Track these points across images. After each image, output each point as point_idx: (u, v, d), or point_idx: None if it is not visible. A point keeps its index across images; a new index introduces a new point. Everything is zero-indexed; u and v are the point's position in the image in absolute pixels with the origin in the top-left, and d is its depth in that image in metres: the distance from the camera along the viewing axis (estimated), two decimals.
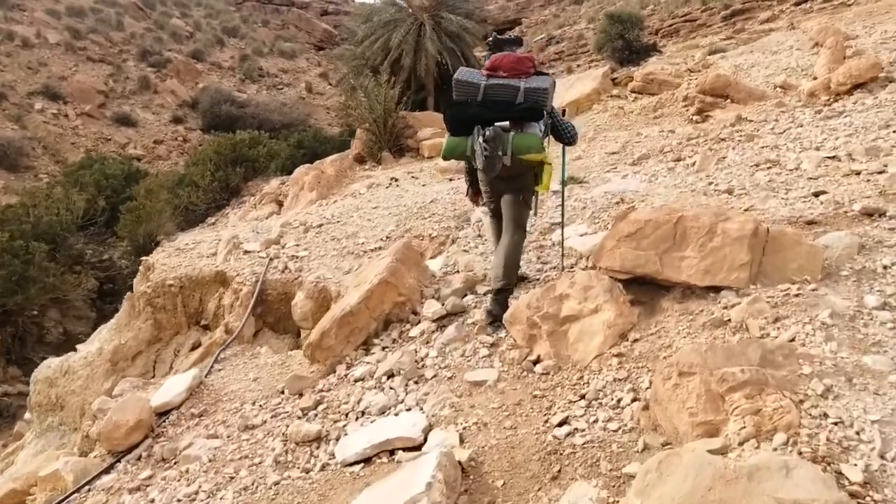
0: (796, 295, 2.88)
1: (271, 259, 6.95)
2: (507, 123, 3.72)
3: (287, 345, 6.63)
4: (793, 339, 2.50)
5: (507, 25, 51.47)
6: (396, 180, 9.68)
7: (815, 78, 8.86)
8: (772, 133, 7.07)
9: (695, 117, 9.20)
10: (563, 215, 4.75)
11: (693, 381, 2.17)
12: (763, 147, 6.49)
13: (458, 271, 5.05)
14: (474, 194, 4.54)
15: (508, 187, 3.96)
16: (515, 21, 51.75)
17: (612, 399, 2.71)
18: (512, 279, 3.99)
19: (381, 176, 10.15)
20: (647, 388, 2.65)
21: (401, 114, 11.64)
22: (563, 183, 5.04)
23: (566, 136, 4.17)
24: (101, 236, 16.15)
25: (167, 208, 14.75)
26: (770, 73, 10.22)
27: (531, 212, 4.18)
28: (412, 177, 9.67)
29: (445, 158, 4.23)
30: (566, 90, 12.44)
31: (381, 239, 6.87)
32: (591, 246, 4.52)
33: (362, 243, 6.89)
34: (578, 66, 37.37)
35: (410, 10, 26.33)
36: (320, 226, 7.88)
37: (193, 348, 7.10)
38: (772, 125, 7.43)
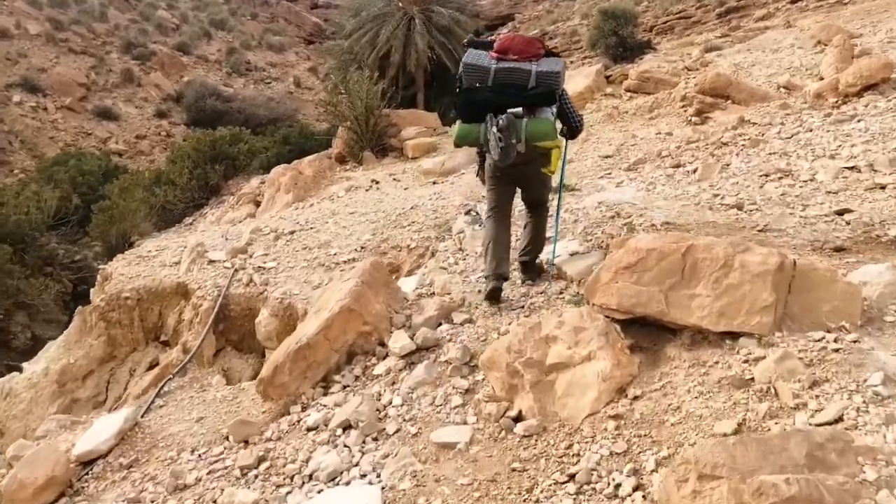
0: (836, 350, 2.34)
1: (236, 270, 6.37)
2: (520, 109, 3.57)
3: (251, 365, 6.06)
4: (840, 418, 1.95)
5: (499, 21, 50.88)
6: (377, 183, 9.11)
7: (821, 78, 8.34)
8: (778, 138, 6.54)
9: (693, 119, 8.67)
10: (556, 228, 4.42)
11: (719, 488, 1.63)
12: (771, 154, 5.96)
13: (433, 293, 4.49)
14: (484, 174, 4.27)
15: (525, 172, 3.83)
16: (508, 17, 51.12)
17: (609, 484, 2.16)
18: (540, 252, 4.22)
19: (361, 178, 9.58)
20: (653, 472, 2.11)
21: (384, 112, 11.04)
22: (561, 186, 4.66)
23: (574, 124, 4.00)
24: (74, 236, 15.48)
25: (142, 207, 14.14)
26: (772, 73, 9.69)
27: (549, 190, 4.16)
28: (394, 179, 9.10)
29: (458, 146, 4.09)
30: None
31: (356, 249, 6.31)
32: (582, 268, 3.99)
33: (335, 254, 6.32)
34: (572, 62, 36.73)
35: (400, 4, 25.65)
36: (292, 233, 7.30)
37: (151, 367, 6.52)
38: (778, 129, 6.90)
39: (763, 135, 6.79)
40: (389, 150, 10.77)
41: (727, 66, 10.53)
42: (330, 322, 3.81)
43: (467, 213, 6.12)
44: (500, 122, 3.47)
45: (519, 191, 4.10)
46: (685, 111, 9.11)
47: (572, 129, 4.02)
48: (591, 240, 4.60)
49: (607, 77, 12.17)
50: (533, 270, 4.21)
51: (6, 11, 33.74)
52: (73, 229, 15.51)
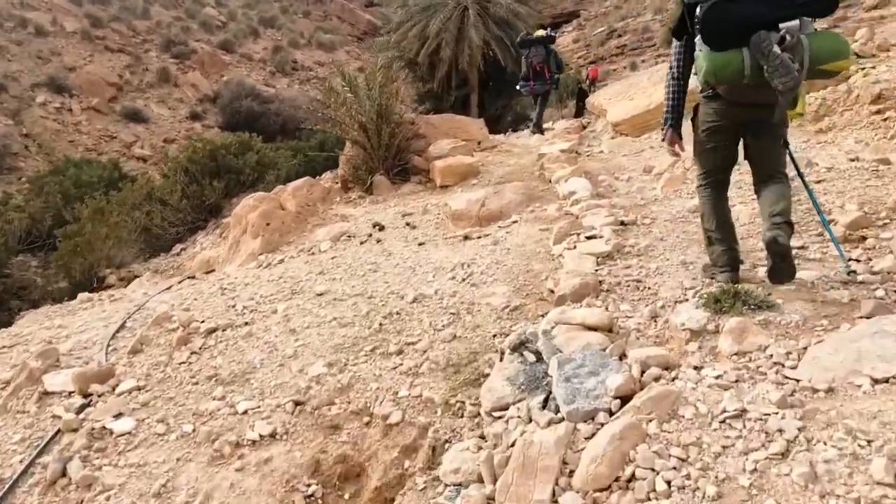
0: None
1: (55, 435, 3.25)
2: (796, 23, 2.72)
3: None
4: None
5: (563, 18, 47.40)
6: (381, 229, 5.87)
7: None
8: None
9: None
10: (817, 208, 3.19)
11: None
12: None
13: None
14: (675, 135, 3.22)
15: (765, 122, 2.90)
16: (573, 13, 47.70)
17: None
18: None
19: (362, 218, 6.36)
20: None
21: (406, 117, 7.79)
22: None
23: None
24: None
25: (120, 232, 11.35)
26: None
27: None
28: (407, 224, 5.85)
29: (709, 84, 2.91)
30: (640, 91, 8.44)
31: (286, 407, 3.10)
32: None
33: (244, 413, 3.12)
34: (643, 61, 32.95)
35: None
36: (212, 332, 4.17)
37: None
38: None
39: None
40: (412, 173, 7.52)
41: None
42: None
43: (520, 349, 2.80)
44: (789, 37, 2.65)
45: (745, 155, 3.08)
46: (884, 121, 5.54)
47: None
48: None
49: None
50: (789, 260, 2.82)
51: (44, 8, 32.27)
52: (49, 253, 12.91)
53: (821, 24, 3.41)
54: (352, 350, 3.46)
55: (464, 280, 4.05)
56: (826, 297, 2.77)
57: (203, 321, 4.40)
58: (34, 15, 30.70)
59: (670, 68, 3.17)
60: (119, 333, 4.64)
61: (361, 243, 5.63)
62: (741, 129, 3.02)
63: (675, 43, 3.17)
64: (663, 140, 3.33)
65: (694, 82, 3.09)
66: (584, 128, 8.96)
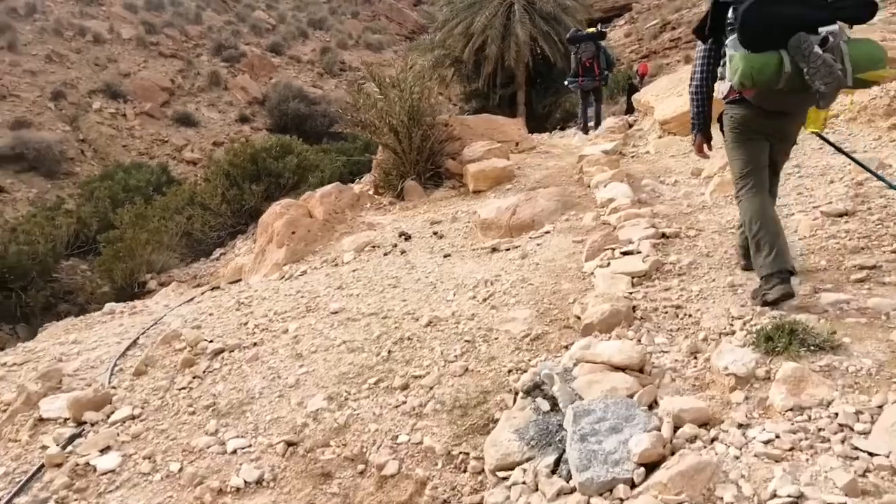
0: None
1: (38, 470, 3.04)
2: (836, 27, 2.60)
3: None
4: None
5: (614, 12, 46.22)
6: (407, 239, 5.55)
7: None
8: None
9: None
10: None
11: None
12: None
13: None
14: (704, 140, 3.19)
15: (790, 128, 2.96)
16: (626, 6, 46.45)
17: None
18: None
19: (389, 227, 6.05)
20: None
21: (439, 118, 7.43)
22: None
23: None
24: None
25: (160, 237, 11.41)
26: None
27: None
28: (434, 233, 5.50)
29: (746, 86, 2.71)
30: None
31: (274, 448, 2.80)
32: None
33: (231, 454, 2.84)
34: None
35: None
36: (217, 354, 3.93)
37: None
38: None
39: None
40: (445, 177, 7.16)
41: None
42: None
43: (533, 392, 2.41)
44: (832, 39, 2.55)
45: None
46: None
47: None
48: None
49: None
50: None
51: (102, 17, 33.25)
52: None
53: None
54: (355, 381, 3.14)
55: (485, 300, 3.68)
56: None
57: (212, 340, 4.16)
58: (92, 24, 31.64)
59: (694, 72, 3.10)
60: (130, 351, 4.45)
61: (385, 254, 5.31)
62: (768, 136, 2.98)
63: (700, 46, 3.08)
64: (693, 145, 3.30)
65: (717, 88, 3.02)
66: (630, 126, 8.44)
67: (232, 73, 32.47)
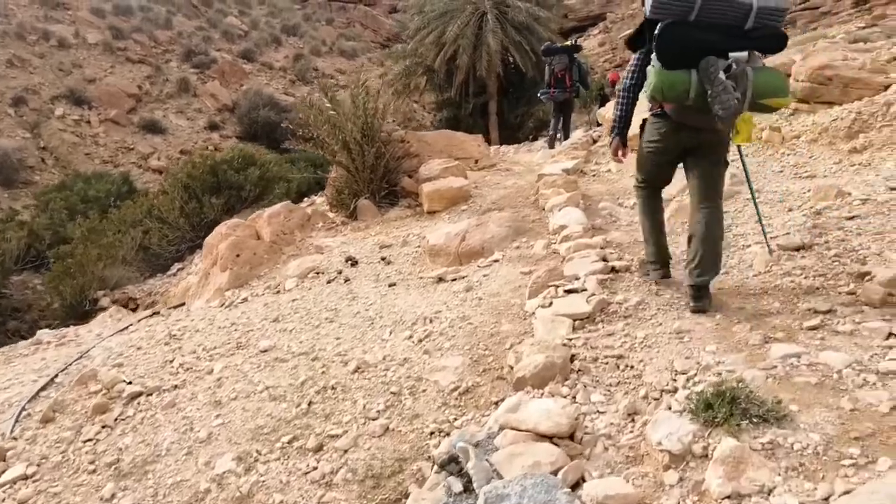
0: None
1: None
2: (745, 55, 2.80)
3: None
4: None
5: (589, 21, 46.47)
6: (354, 265, 5.26)
7: None
8: None
9: None
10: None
11: None
12: None
13: None
14: (621, 145, 3.35)
15: (706, 141, 3.04)
16: (599, 16, 46.73)
17: None
18: (718, 271, 3.13)
19: (336, 251, 5.76)
20: None
21: (395, 134, 7.16)
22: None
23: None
24: None
25: (114, 253, 10.98)
26: None
27: None
28: (382, 259, 5.22)
29: (655, 100, 3.01)
30: None
31: None
32: None
33: None
34: None
35: None
36: (134, 399, 3.62)
37: None
38: None
39: None
40: (401, 196, 6.90)
41: None
42: None
43: (448, 466, 2.13)
44: (735, 66, 2.75)
45: (686, 175, 3.19)
46: None
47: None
48: None
49: None
50: (706, 295, 3.04)
51: (68, 21, 32.50)
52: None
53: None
54: (269, 438, 2.85)
55: (420, 342, 3.41)
56: (858, 402, 2.07)
57: (131, 382, 3.84)
58: (57, 28, 30.90)
59: (624, 79, 3.27)
60: (45, 391, 4.11)
61: (328, 282, 5.02)
62: (683, 151, 3.13)
63: (633, 56, 3.23)
64: (609, 146, 3.50)
65: (644, 98, 3.16)
66: (595, 142, 8.25)
67: (202, 79, 31.90)
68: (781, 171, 5.19)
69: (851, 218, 3.79)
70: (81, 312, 9.56)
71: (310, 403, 3.05)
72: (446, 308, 3.80)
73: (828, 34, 19.12)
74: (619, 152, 3.39)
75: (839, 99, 6.25)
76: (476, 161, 7.62)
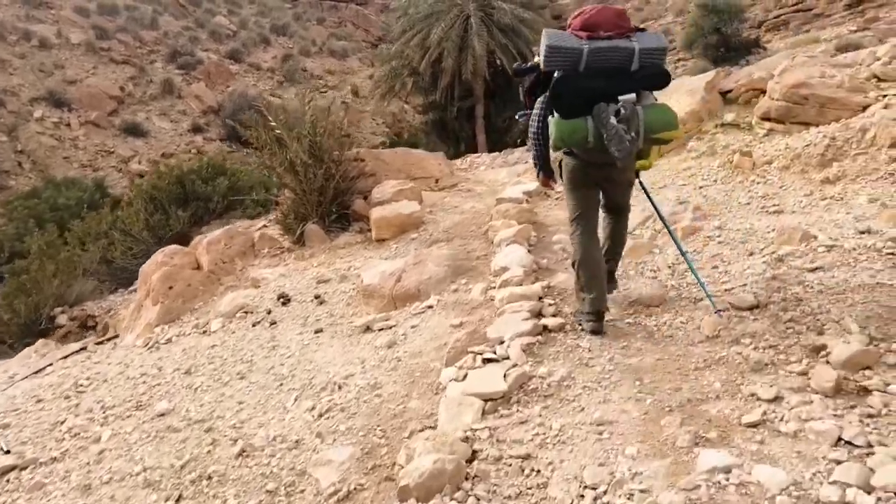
0: None
1: None
2: (633, 96, 3.03)
3: None
4: None
5: None
6: (286, 303, 4.85)
7: None
8: None
9: None
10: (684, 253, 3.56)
11: None
12: None
13: None
14: (546, 177, 3.59)
15: (617, 174, 3.27)
16: None
17: None
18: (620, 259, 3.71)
19: (273, 284, 5.34)
20: None
21: (348, 154, 6.73)
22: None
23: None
24: None
25: (74, 268, 10.54)
26: None
27: None
28: (316, 297, 4.81)
29: (558, 148, 3.26)
30: None
31: None
32: None
33: None
34: None
35: (458, 0, 21.49)
36: (5, 475, 3.18)
37: None
38: None
39: None
40: (354, 219, 6.48)
41: None
42: None
43: None
44: (624, 110, 2.94)
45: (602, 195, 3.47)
46: None
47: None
48: None
49: (724, 93, 7.44)
50: (612, 281, 3.59)
51: (50, 21, 31.98)
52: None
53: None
54: None
55: (320, 417, 3.00)
56: None
57: (9, 451, 3.43)
58: (39, 27, 30.39)
59: (533, 120, 3.38)
60: None
61: (254, 325, 4.61)
62: (596, 182, 3.33)
63: (538, 99, 3.35)
64: (538, 179, 3.69)
65: None
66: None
67: (187, 80, 31.39)
68: (748, 204, 4.78)
69: (814, 270, 3.39)
70: (37, 331, 9.13)
71: (179, 498, 2.63)
72: (361, 370, 3.39)
73: (820, 37, 18.73)
74: (549, 183, 3.61)
75: (815, 119, 5.86)
76: (436, 181, 7.21)
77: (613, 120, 2.92)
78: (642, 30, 3.15)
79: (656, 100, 3.20)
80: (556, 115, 3.10)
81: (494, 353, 3.00)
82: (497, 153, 15.42)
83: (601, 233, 3.49)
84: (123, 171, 24.01)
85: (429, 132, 24.00)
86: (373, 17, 51.47)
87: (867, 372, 2.45)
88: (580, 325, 3.27)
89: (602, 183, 3.34)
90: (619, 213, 3.53)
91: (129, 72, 30.59)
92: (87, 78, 28.33)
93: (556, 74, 3.08)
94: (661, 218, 3.72)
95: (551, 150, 3.35)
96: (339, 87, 37.57)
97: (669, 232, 3.71)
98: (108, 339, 6.06)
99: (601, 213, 3.48)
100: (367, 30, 50.70)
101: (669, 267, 3.99)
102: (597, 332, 3.17)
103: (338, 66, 40.38)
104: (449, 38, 20.38)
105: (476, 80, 20.75)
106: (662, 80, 3.11)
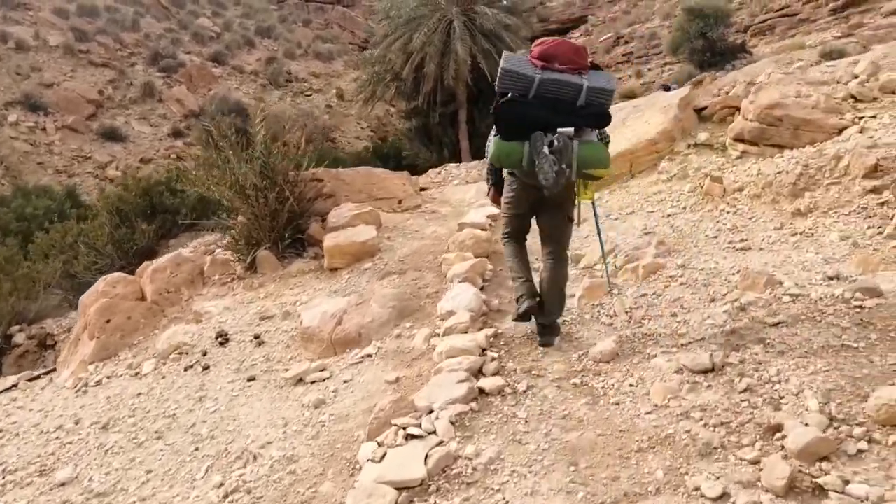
0: None
1: None
2: (571, 130, 3.14)
3: None
4: None
5: (570, 24, 45.91)
6: (224, 343, 4.53)
7: None
8: None
9: None
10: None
11: None
12: None
13: None
14: (497, 194, 3.73)
15: (552, 201, 3.37)
16: (581, 19, 46.18)
17: None
18: (562, 311, 3.62)
19: (215, 319, 5.02)
20: None
21: (305, 174, 6.41)
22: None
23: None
24: None
25: (32, 286, 10.19)
26: None
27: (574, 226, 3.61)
28: (255, 338, 4.49)
29: (495, 166, 3.53)
30: (617, 128, 7.02)
31: None
32: None
33: None
34: (649, 69, 31.21)
35: (440, 3, 21.21)
36: None
37: None
38: None
39: None
40: (309, 244, 6.16)
41: None
42: None
43: None
44: (557, 142, 3.07)
45: (536, 224, 3.59)
46: (880, 205, 4.10)
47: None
48: None
49: (698, 111, 7.16)
50: (553, 333, 3.52)
51: (28, 22, 31.43)
52: None
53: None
54: None
55: (225, 498, 2.68)
56: None
57: None
58: (16, 29, 29.83)
59: (489, 139, 3.40)
60: None
61: (186, 369, 4.29)
62: (532, 206, 3.45)
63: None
64: (488, 195, 3.86)
65: None
66: None
67: (168, 83, 30.90)
68: (716, 238, 4.50)
69: (777, 325, 3.10)
70: None
71: None
72: (282, 436, 3.07)
73: (805, 43, 18.55)
74: (498, 199, 3.70)
75: (789, 142, 5.60)
76: (399, 201, 6.89)
77: (546, 150, 3.05)
78: (598, 68, 3.26)
79: (603, 136, 3.35)
80: (497, 134, 3.25)
81: (420, 426, 2.69)
82: (477, 161, 15.14)
83: (538, 276, 3.55)
84: (100, 176, 23.55)
85: (412, 138, 23.71)
86: (360, 20, 51.04)
87: (824, 465, 2.16)
88: (516, 311, 3.48)
89: (535, 206, 3.45)
90: (554, 248, 3.50)
91: (108, 75, 30.07)
92: (65, 81, 27.81)
93: (501, 100, 3.21)
94: (601, 240, 3.99)
95: (488, 165, 3.59)
96: (325, 90, 37.19)
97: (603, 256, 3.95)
98: (46, 373, 5.72)
99: (543, 251, 3.55)
100: (353, 32, 50.28)
101: (627, 312, 3.71)
102: (531, 309, 3.38)
103: (323, 69, 39.95)
104: (431, 42, 20.10)
105: (459, 86, 20.47)
106: (604, 119, 3.25)
